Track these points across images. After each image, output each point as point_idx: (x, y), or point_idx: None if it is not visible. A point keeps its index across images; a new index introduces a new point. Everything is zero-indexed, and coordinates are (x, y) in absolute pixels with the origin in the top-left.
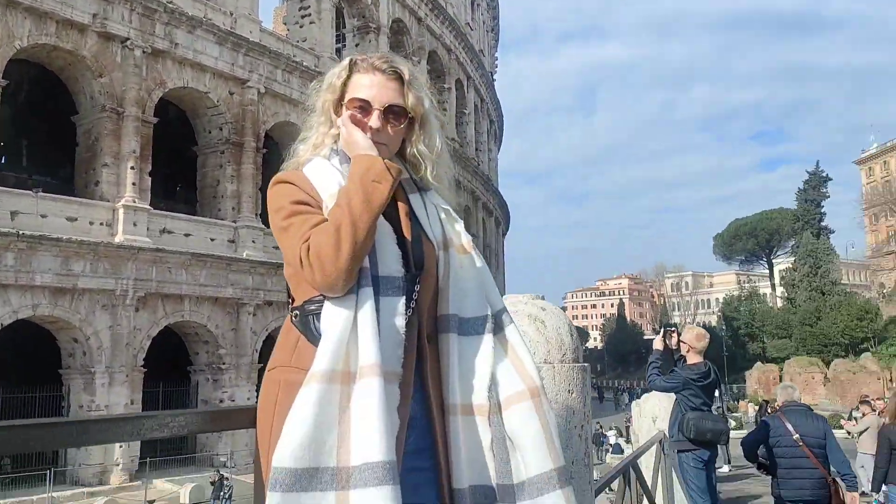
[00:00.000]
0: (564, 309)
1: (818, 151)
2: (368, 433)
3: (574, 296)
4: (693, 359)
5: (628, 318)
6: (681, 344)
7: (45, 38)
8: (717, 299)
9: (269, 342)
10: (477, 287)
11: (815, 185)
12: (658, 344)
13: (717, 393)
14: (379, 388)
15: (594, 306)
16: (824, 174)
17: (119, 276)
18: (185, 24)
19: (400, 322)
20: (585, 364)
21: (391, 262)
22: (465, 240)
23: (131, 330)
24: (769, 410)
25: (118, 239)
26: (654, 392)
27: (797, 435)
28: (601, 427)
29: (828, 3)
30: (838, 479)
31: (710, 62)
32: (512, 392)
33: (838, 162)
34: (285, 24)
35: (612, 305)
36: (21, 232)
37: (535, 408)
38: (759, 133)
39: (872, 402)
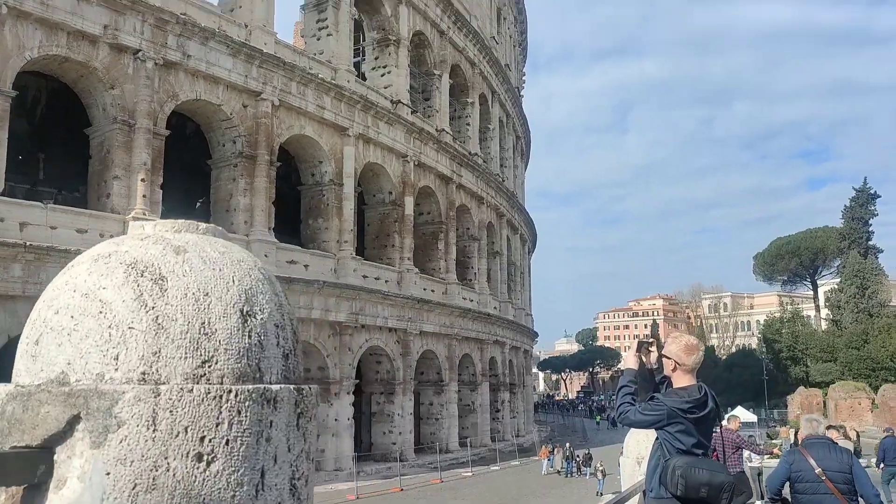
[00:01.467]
0: (596, 329)
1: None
2: None
3: (606, 316)
4: (682, 380)
5: (662, 339)
6: (663, 360)
7: (56, 49)
8: (757, 321)
9: None
10: None
11: (863, 203)
12: (630, 361)
13: (716, 429)
14: None
15: (626, 327)
16: (872, 191)
17: None
18: (197, 36)
19: None
20: (293, 388)
21: None
22: None
23: None
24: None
25: None
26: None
27: (819, 469)
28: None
29: (878, 16)
30: None
31: (752, 78)
32: None
33: (888, 180)
34: (303, 36)
35: (645, 326)
36: (28, 243)
37: None
38: (805, 151)
39: None
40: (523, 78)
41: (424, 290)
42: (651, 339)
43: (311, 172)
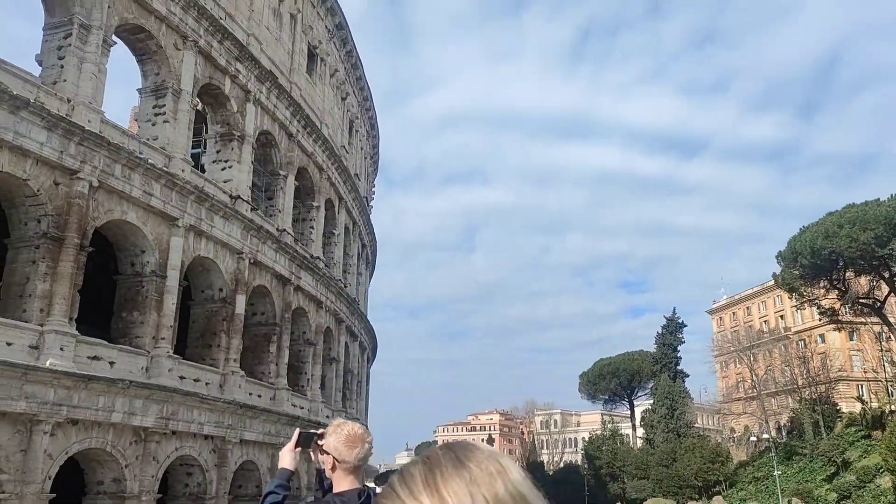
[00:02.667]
0: (436, 442)
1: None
2: None
3: (445, 429)
4: (342, 482)
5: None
6: (321, 455)
7: None
8: (583, 438)
9: (67, 468)
10: None
11: (672, 331)
12: (286, 460)
13: None
14: None
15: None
16: (680, 320)
17: None
18: (7, 104)
19: None
20: None
21: None
22: None
23: None
24: None
25: None
26: None
27: None
28: None
29: (686, 169)
30: None
31: (582, 213)
32: None
33: (694, 312)
34: (137, 120)
35: (481, 440)
36: None
37: None
38: (626, 282)
39: None
40: (373, 189)
41: (250, 394)
42: (321, 432)
43: (130, 262)
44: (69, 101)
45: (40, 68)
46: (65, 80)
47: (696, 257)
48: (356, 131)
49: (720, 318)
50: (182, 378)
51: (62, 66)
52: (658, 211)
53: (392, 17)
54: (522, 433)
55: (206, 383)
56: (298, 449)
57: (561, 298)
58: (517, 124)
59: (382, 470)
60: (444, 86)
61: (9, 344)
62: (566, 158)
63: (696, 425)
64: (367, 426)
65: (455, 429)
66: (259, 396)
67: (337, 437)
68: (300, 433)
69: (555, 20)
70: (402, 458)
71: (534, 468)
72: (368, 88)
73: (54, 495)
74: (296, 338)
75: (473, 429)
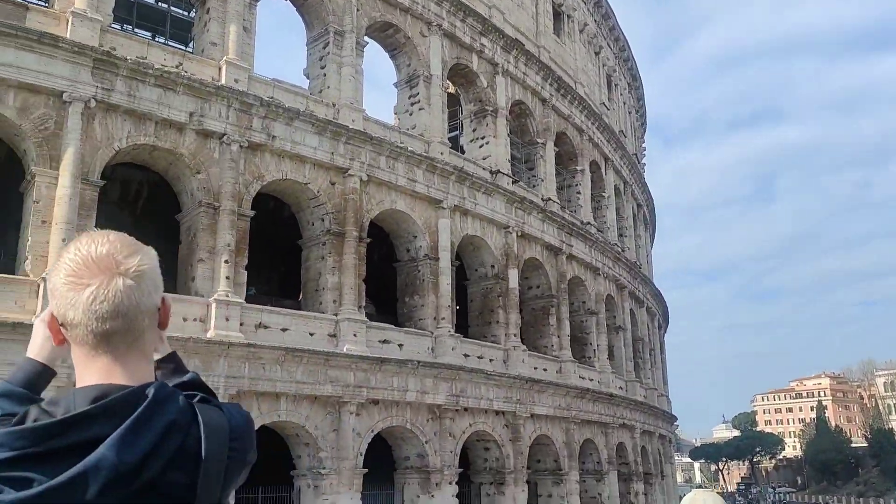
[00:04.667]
0: (754, 413)
1: None
2: None
3: (765, 398)
4: (87, 368)
5: (832, 423)
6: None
7: (143, 139)
8: None
9: (376, 445)
10: None
11: None
12: (35, 343)
13: None
14: None
15: (790, 409)
16: None
17: (211, 372)
18: (282, 117)
19: None
20: None
21: None
22: None
23: None
24: None
25: (210, 334)
26: None
27: None
28: None
29: None
30: None
31: None
32: None
33: None
34: (396, 114)
35: (811, 409)
36: None
37: None
38: None
39: None
40: (643, 145)
41: (535, 368)
42: None
43: (405, 248)
44: (334, 104)
45: (308, 80)
46: (328, 87)
47: None
48: (615, 85)
49: None
50: (466, 356)
51: (324, 74)
52: None
53: None
54: (861, 398)
55: (490, 359)
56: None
57: (891, 241)
58: (810, 48)
59: (698, 444)
60: (713, 23)
61: (311, 334)
62: (880, 74)
63: None
64: (667, 396)
65: (776, 397)
66: (545, 370)
67: (57, 269)
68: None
69: None
70: (721, 431)
71: (882, 437)
72: (624, 38)
73: (366, 470)
74: (576, 308)
75: (798, 396)
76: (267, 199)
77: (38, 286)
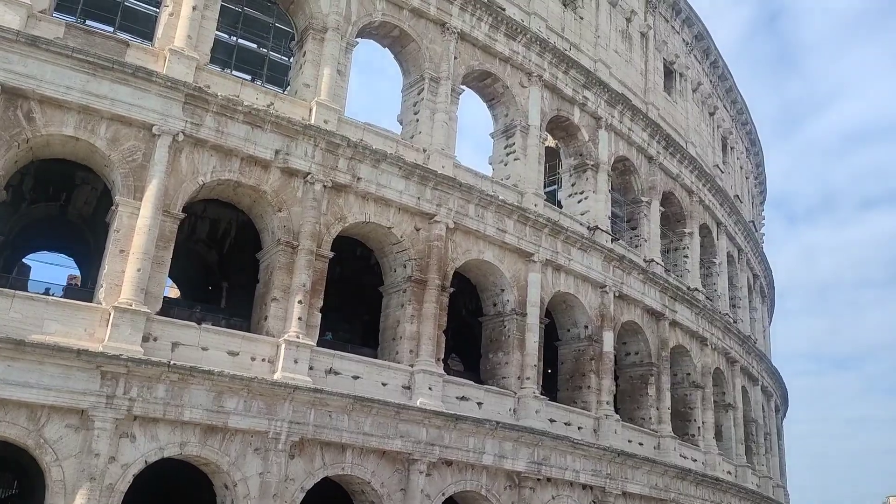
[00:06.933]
0: None
1: None
2: None
3: None
4: None
5: None
6: None
7: (228, 174)
8: None
9: None
10: None
11: None
12: None
13: None
14: None
15: None
16: None
17: (274, 416)
18: (369, 159)
19: None
20: None
21: None
22: None
23: (282, 479)
24: None
25: (276, 376)
26: None
27: None
28: None
29: None
30: None
31: None
32: None
33: None
34: (491, 164)
35: None
36: (172, 362)
37: None
38: None
39: None
40: (762, 214)
41: (629, 441)
42: None
43: (492, 302)
44: (424, 150)
45: (401, 126)
46: (420, 132)
47: None
48: (731, 148)
49: None
50: (551, 421)
51: (417, 120)
52: None
53: (770, 39)
54: None
55: (579, 427)
56: None
57: None
58: None
59: None
60: (842, 99)
61: (384, 384)
62: None
63: None
64: (784, 488)
65: None
66: (640, 444)
67: None
68: None
69: None
70: None
71: None
72: (742, 100)
73: None
74: (679, 380)
75: None
76: (355, 244)
77: (109, 315)
